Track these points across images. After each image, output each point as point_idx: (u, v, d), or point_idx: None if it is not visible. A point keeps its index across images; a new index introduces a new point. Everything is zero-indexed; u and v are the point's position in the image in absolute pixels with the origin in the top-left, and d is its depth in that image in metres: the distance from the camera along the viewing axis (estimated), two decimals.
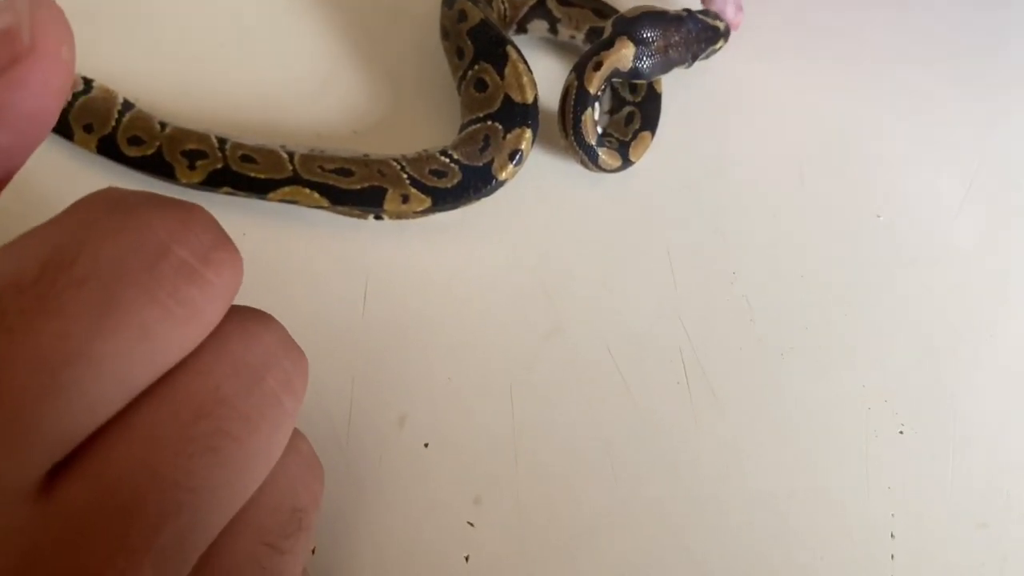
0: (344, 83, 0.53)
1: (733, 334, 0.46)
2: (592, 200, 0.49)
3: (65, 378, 0.18)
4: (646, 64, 0.47)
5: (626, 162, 0.48)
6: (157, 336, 0.20)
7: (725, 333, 0.46)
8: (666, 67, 0.48)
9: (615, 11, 0.52)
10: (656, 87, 0.51)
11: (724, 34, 0.50)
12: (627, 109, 0.50)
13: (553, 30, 0.53)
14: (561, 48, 0.54)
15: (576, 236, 0.48)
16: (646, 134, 0.49)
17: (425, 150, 0.48)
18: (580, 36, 0.52)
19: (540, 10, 0.53)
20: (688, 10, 0.49)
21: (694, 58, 0.50)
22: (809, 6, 0.56)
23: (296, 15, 0.55)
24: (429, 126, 0.51)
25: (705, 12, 0.50)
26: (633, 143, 0.49)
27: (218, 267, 0.22)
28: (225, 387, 0.22)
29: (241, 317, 0.24)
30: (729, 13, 0.51)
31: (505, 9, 0.52)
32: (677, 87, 0.52)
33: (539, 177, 0.49)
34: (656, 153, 0.50)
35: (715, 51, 0.51)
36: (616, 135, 0.49)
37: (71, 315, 0.19)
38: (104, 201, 0.21)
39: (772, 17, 0.54)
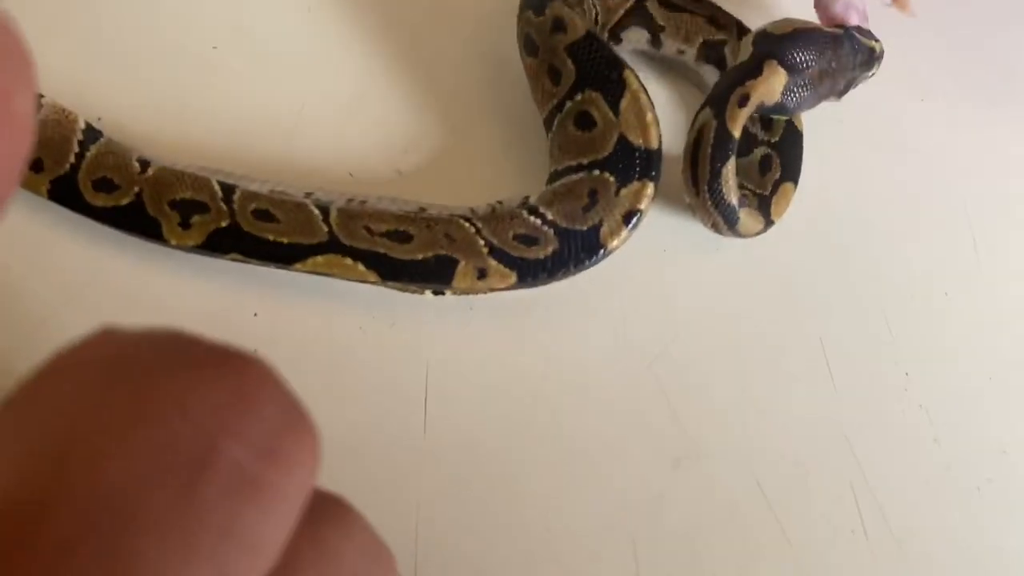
0: (381, 107, 0.40)
1: (914, 460, 0.35)
2: (717, 269, 0.38)
3: None
4: (795, 97, 0.36)
5: (767, 224, 0.37)
6: None
7: (905, 459, 0.35)
8: (816, 100, 0.37)
9: (734, 20, 0.41)
10: (796, 123, 0.39)
11: (879, 57, 0.39)
12: (760, 151, 0.39)
13: (655, 41, 0.41)
14: (663, 67, 0.42)
15: (701, 320, 0.37)
16: (788, 185, 0.38)
17: (500, 202, 0.36)
18: (691, 51, 0.41)
19: (639, 15, 0.41)
20: (844, 27, 0.38)
21: (847, 88, 0.38)
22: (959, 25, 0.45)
23: (318, 16, 0.42)
24: (500, 166, 0.39)
25: (859, 29, 0.38)
26: (775, 198, 0.37)
27: (287, 461, 0.16)
28: None
29: (313, 526, 0.18)
30: (853, 19, 0.40)
31: (596, 12, 0.40)
32: (816, 122, 0.40)
33: (649, 238, 0.37)
34: (796, 208, 0.38)
35: (866, 79, 0.39)
36: (751, 186, 0.38)
37: None
38: (97, 364, 0.16)
39: (920, 40, 0.43)
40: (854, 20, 0.38)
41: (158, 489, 0.14)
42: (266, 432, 0.16)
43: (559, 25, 0.35)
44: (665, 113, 0.41)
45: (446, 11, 0.42)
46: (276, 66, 0.41)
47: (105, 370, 0.16)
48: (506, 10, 0.39)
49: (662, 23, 0.41)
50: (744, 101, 0.34)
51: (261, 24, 0.42)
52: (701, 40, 0.40)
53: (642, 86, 0.35)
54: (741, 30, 0.41)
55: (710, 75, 0.41)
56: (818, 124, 0.40)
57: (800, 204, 0.38)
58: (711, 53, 0.40)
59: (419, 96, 0.40)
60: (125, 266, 0.36)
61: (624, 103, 0.34)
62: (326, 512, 0.19)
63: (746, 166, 0.38)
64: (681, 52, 0.41)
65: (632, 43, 0.41)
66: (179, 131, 0.39)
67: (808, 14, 0.41)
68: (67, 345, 0.17)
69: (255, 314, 0.36)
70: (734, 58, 0.40)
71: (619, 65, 0.35)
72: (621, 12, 0.41)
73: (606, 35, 0.41)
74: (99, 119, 0.39)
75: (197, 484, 0.15)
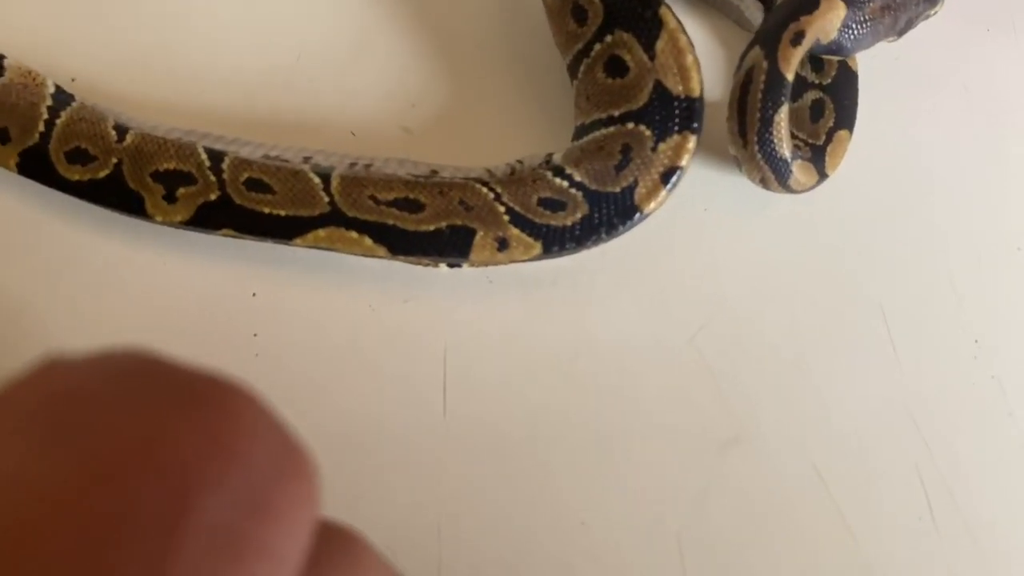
0: (385, 55, 0.36)
1: (988, 439, 0.32)
2: (764, 230, 0.34)
3: None
4: (853, 35, 0.32)
5: (822, 177, 0.33)
6: None
7: (977, 438, 0.32)
8: (874, 39, 0.33)
9: None
10: (850, 63, 0.35)
11: None
12: (812, 95, 0.34)
13: None
14: (698, 1, 0.38)
15: (748, 287, 0.33)
16: (843, 133, 0.34)
17: (520, 162, 0.32)
18: None
19: None
20: None
21: (907, 27, 0.34)
22: None
23: None
24: (520, 121, 0.35)
25: None
26: (829, 148, 0.33)
27: (281, 517, 0.13)
28: None
29: (319, 571, 0.15)
30: None
31: None
32: (870, 61, 0.36)
33: (688, 196, 0.33)
34: (850, 159, 0.34)
35: (928, 17, 0.35)
36: (802, 135, 0.34)
37: None
38: (40, 410, 0.13)
39: None
40: None
41: (120, 565, 0.11)
42: (254, 483, 0.13)
43: None
44: (703, 55, 0.37)
45: None
46: (268, 11, 0.37)
47: (50, 417, 0.13)
48: None
49: None
50: (799, 39, 0.30)
51: None
52: None
53: (680, 24, 0.30)
54: None
55: (753, 10, 0.36)
56: (872, 63, 0.35)
57: (855, 154, 0.34)
58: None
59: (428, 42, 0.36)
60: (108, 245, 0.32)
61: (660, 45, 0.30)
62: (334, 554, 0.16)
63: (796, 112, 0.34)
64: None
65: None
66: (161, 90, 0.35)
67: None
68: (2, 384, 0.14)
69: (254, 294, 0.32)
70: None
71: (654, 1, 0.30)
72: None
73: None
74: (73, 80, 0.35)
75: (168, 553, 0.12)
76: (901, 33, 0.34)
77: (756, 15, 0.36)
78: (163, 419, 0.13)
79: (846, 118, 0.34)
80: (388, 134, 0.35)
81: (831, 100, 0.34)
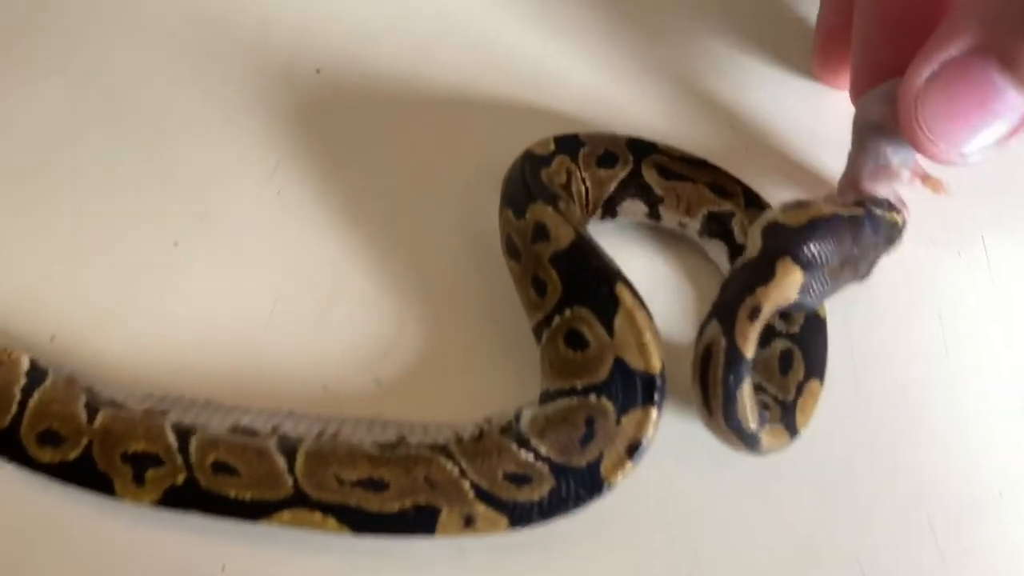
0: (358, 304, 0.37)
1: None
2: (737, 483, 0.34)
3: None
4: (814, 293, 0.32)
5: (793, 435, 0.32)
6: None
7: None
8: (837, 289, 0.33)
9: (740, 188, 0.37)
10: (819, 310, 0.35)
11: (903, 228, 0.35)
12: (780, 344, 0.34)
13: (654, 214, 0.37)
14: (666, 237, 0.38)
15: (721, 546, 0.32)
16: (813, 384, 0.33)
17: (488, 421, 0.32)
18: (693, 225, 0.37)
19: (635, 185, 0.37)
20: (863, 205, 0.34)
21: (871, 268, 0.34)
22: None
23: (288, 201, 0.39)
24: (490, 371, 0.35)
25: (878, 203, 0.34)
26: (800, 403, 0.33)
27: None
28: None
29: None
30: (883, 191, 0.35)
31: (586, 188, 0.36)
32: (840, 298, 0.36)
33: (658, 451, 0.33)
34: (823, 404, 0.34)
35: (890, 252, 0.35)
36: (771, 389, 0.33)
37: None
38: None
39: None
40: (874, 190, 0.34)
41: None
42: None
43: (541, 232, 0.32)
44: (671, 291, 0.37)
45: (429, 189, 0.39)
46: (244, 262, 0.38)
47: None
48: (494, 184, 0.36)
49: (660, 193, 0.37)
50: (756, 313, 0.30)
51: (226, 213, 0.39)
52: (705, 212, 0.36)
53: (638, 299, 0.31)
54: (748, 197, 0.37)
55: (717, 250, 0.37)
56: (841, 297, 0.35)
57: (827, 399, 0.34)
58: (716, 227, 0.36)
59: (401, 291, 0.37)
60: (78, 519, 0.32)
61: (618, 322, 0.30)
62: None
63: (765, 361, 0.34)
64: (683, 225, 0.37)
65: (629, 216, 0.37)
66: (137, 347, 0.36)
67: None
68: None
69: (223, 567, 0.32)
70: (742, 232, 0.36)
71: (611, 278, 0.31)
72: (614, 184, 0.37)
73: (600, 210, 0.37)
74: (53, 337, 0.36)
75: None
76: (865, 276, 0.34)
77: (720, 254, 0.37)
78: None
79: (816, 366, 0.34)
80: (359, 388, 0.35)
81: (799, 349, 0.34)
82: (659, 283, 0.37)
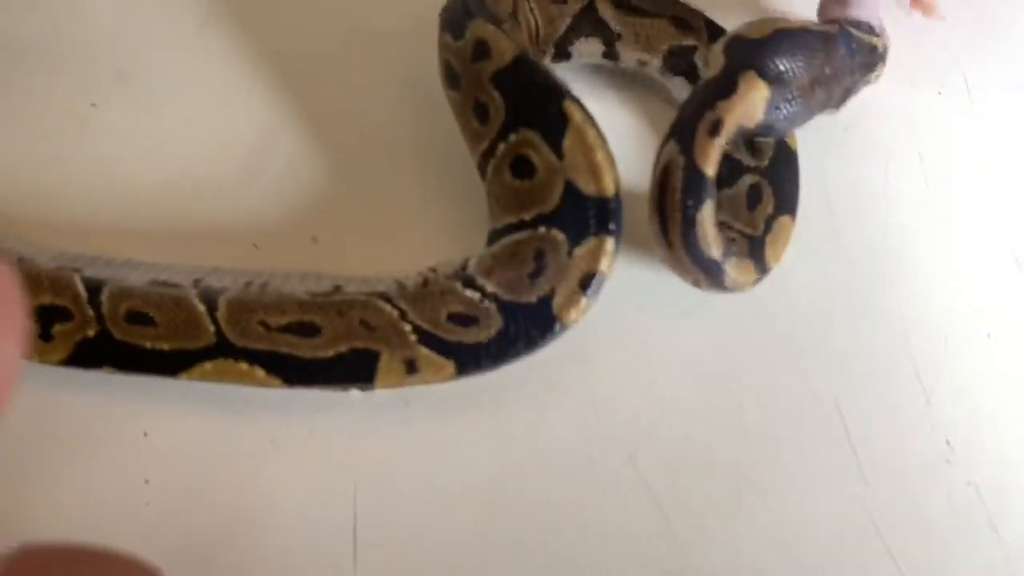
0: (291, 158, 0.34)
1: (970, 558, 0.28)
2: (704, 329, 0.31)
3: None
4: (783, 114, 0.29)
5: (762, 272, 0.30)
6: None
7: (959, 557, 0.28)
8: (809, 115, 0.30)
9: (703, 21, 0.34)
10: (788, 142, 0.32)
11: (882, 56, 0.32)
12: (748, 180, 0.32)
13: (611, 53, 0.34)
14: (625, 80, 0.36)
15: (689, 395, 0.30)
16: (784, 220, 0.31)
17: (433, 270, 0.30)
18: (654, 61, 0.34)
19: (589, 21, 0.34)
20: (838, 22, 0.31)
21: (846, 96, 0.31)
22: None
23: (211, 46, 0.35)
24: (431, 224, 0.33)
25: (857, 25, 0.31)
26: (769, 237, 0.30)
27: None
28: None
29: None
30: (855, 11, 0.32)
31: (536, 24, 0.33)
32: (811, 134, 0.33)
33: (618, 297, 0.30)
34: (795, 244, 0.31)
35: (868, 83, 0.32)
36: (738, 226, 0.31)
37: None
38: None
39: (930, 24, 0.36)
40: (856, 13, 0.31)
41: None
42: None
43: (482, 50, 0.29)
44: (629, 139, 0.34)
45: (363, 33, 0.36)
46: (166, 123, 0.34)
47: None
48: (433, 35, 0.33)
49: (617, 29, 0.34)
50: (716, 128, 0.27)
51: (147, 72, 0.35)
52: (666, 47, 0.34)
53: (588, 117, 0.28)
54: (713, 32, 0.34)
55: (680, 89, 0.34)
56: (816, 136, 0.33)
57: (800, 239, 0.31)
58: (679, 62, 0.33)
59: (337, 142, 0.34)
60: None
61: (568, 142, 0.27)
62: None
63: (732, 199, 0.31)
64: (643, 63, 0.34)
65: (584, 56, 0.34)
66: (55, 208, 0.33)
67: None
68: None
69: (145, 434, 0.29)
70: (706, 67, 0.33)
71: (558, 94, 0.28)
72: (568, 20, 0.34)
73: (552, 50, 0.34)
74: None
75: None
76: (840, 104, 0.31)
77: (683, 93, 0.34)
78: None
79: (787, 202, 0.31)
80: (294, 245, 0.32)
81: (769, 184, 0.31)
82: (619, 129, 0.34)
